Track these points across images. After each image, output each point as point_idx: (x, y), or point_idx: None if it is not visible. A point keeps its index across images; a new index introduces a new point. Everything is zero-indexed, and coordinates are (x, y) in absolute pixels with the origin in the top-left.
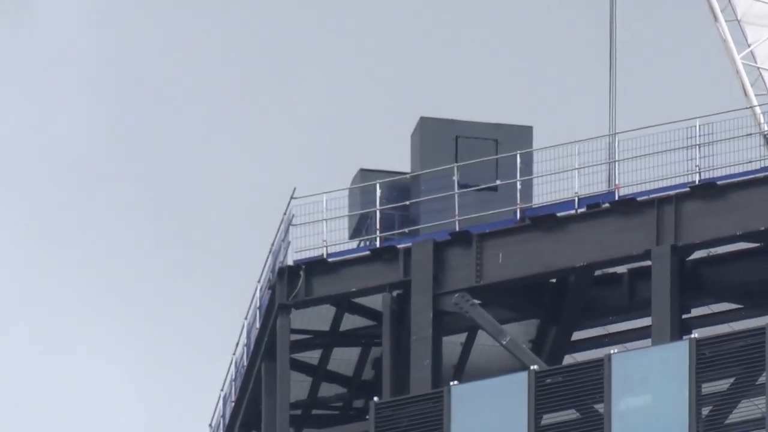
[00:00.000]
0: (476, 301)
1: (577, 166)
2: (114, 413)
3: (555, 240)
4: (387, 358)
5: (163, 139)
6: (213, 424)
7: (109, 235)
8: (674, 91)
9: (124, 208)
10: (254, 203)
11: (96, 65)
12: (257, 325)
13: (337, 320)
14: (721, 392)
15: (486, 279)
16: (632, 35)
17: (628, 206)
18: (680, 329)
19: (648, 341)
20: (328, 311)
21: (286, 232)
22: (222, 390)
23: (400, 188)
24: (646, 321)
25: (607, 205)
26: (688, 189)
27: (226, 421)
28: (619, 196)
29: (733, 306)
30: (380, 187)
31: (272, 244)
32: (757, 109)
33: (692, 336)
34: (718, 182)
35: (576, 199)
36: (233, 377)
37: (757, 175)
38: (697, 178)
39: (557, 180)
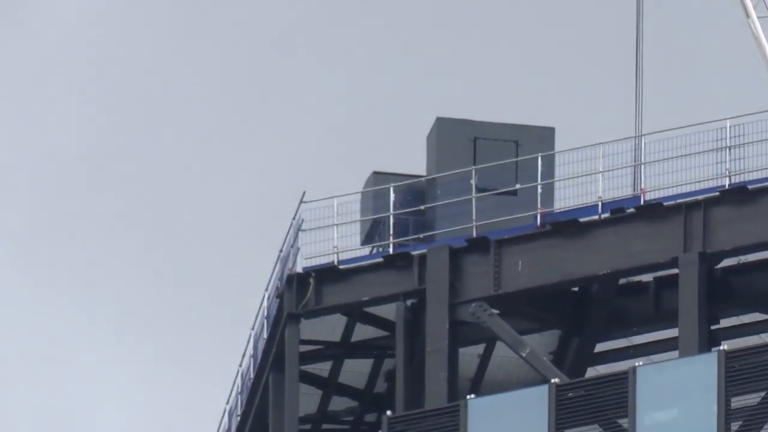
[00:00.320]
0: (494, 311)
1: (600, 169)
2: (114, 428)
3: (577, 247)
4: (401, 370)
5: (167, 141)
6: None
7: (109, 241)
8: (703, 91)
9: (125, 213)
10: (261, 207)
11: (95, 67)
12: (264, 335)
13: (348, 330)
14: (751, 407)
15: (505, 288)
16: (659, 33)
17: (655, 211)
18: (709, 341)
19: (675, 353)
20: (338, 321)
21: (295, 237)
22: (227, 403)
23: (415, 192)
24: (672, 332)
25: (632, 210)
26: (717, 193)
27: None
28: (644, 201)
29: (765, 316)
30: (394, 191)
31: (280, 251)
32: None
33: (721, 348)
34: (749, 186)
35: (599, 203)
36: (239, 390)
37: None
38: (726, 182)
39: (580, 184)
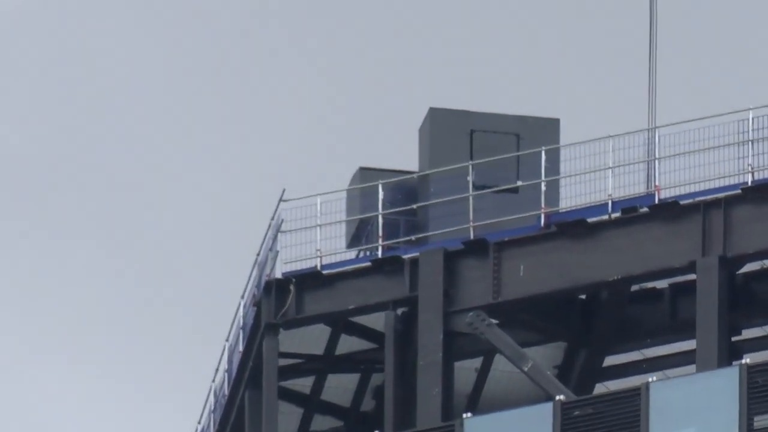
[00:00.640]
0: (493, 321)
1: (610, 165)
2: None
3: (585, 250)
4: (390, 386)
5: (135, 137)
6: None
7: (72, 245)
8: (723, 80)
9: (88, 214)
10: (237, 207)
11: (54, 61)
12: (240, 348)
13: (332, 342)
14: None
15: (505, 295)
16: (674, 16)
17: (670, 211)
18: (729, 353)
19: (692, 367)
20: (322, 332)
21: (274, 239)
22: (200, 423)
23: (405, 190)
24: (689, 344)
25: (645, 209)
26: (739, 191)
27: None
28: (659, 200)
29: None
30: (383, 189)
31: (258, 254)
32: None
33: (743, 361)
34: None
35: (609, 202)
36: (212, 408)
37: None
38: (749, 179)
39: (588, 180)
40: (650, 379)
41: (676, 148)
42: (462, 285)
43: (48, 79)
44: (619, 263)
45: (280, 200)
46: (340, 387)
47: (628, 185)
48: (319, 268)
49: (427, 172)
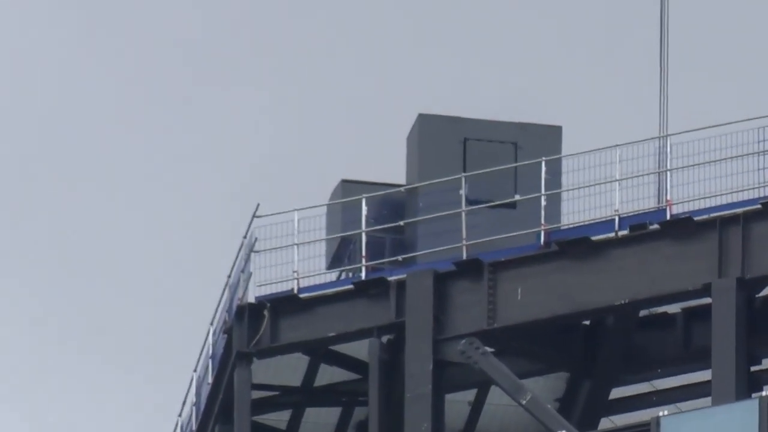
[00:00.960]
0: (488, 349)
1: (617, 177)
2: None
3: (589, 271)
4: (375, 421)
5: (95, 148)
6: None
7: (23, 269)
8: (740, 85)
9: (39, 234)
10: (206, 223)
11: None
12: (209, 379)
13: (311, 373)
14: None
15: (501, 321)
16: (687, 16)
17: (683, 228)
18: (748, 385)
19: (707, 400)
20: (299, 361)
21: (247, 260)
22: None
23: (392, 204)
24: (704, 374)
25: (655, 226)
26: (758, 206)
27: None
28: (671, 215)
29: None
30: (367, 203)
31: (228, 276)
32: None
33: (763, 394)
34: None
35: (616, 218)
36: None
37: None
38: None
39: (592, 194)
40: (661, 413)
41: (689, 158)
42: (454, 310)
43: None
44: (627, 286)
45: (254, 216)
46: (319, 422)
47: (637, 199)
48: (296, 291)
49: (416, 185)
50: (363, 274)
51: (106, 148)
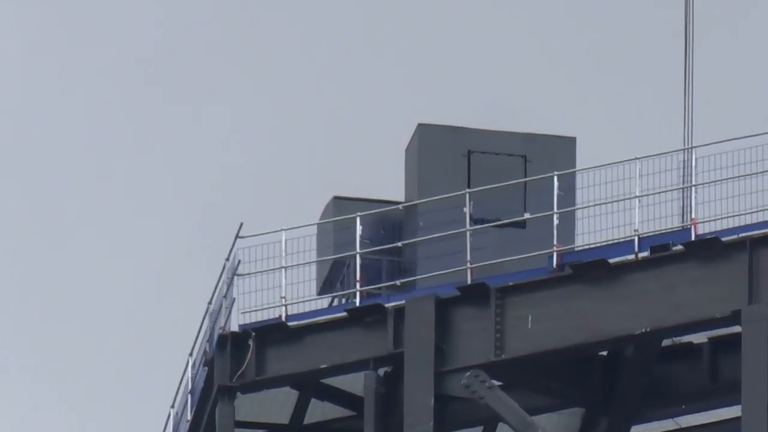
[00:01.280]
0: (496, 383)
1: (637, 193)
2: None
3: (606, 297)
4: None
5: (66, 155)
6: None
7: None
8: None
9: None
10: (182, 245)
11: None
12: (189, 415)
13: (300, 409)
14: None
15: (510, 351)
16: (713, 19)
17: (710, 249)
18: None
19: None
20: (287, 396)
21: (230, 285)
22: None
23: (389, 223)
24: (733, 410)
25: (679, 247)
26: None
27: None
28: (696, 235)
29: None
30: (362, 222)
31: (209, 303)
32: None
33: None
34: None
35: (636, 239)
36: None
37: None
38: None
39: (610, 212)
40: None
41: (716, 173)
42: (457, 339)
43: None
44: (648, 313)
45: (237, 237)
46: None
47: (659, 218)
48: (283, 319)
49: (415, 202)
50: (357, 300)
51: (84, 158)
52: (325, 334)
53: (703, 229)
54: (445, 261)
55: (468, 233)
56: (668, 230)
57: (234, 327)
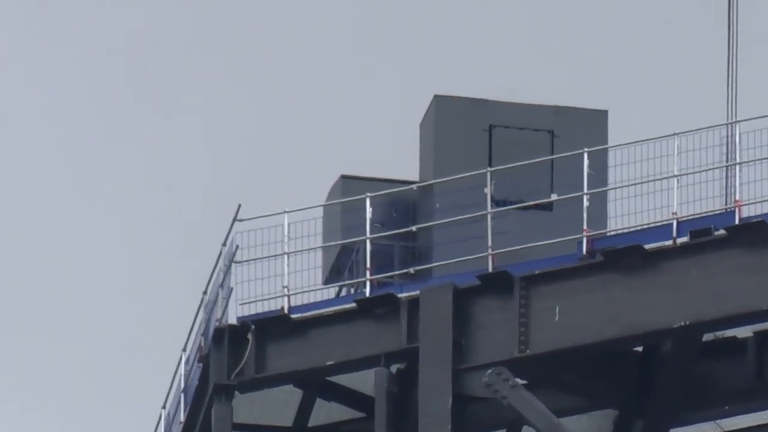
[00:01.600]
0: (520, 381)
1: (676, 172)
2: None
3: (642, 286)
4: None
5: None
6: None
7: None
8: None
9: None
10: (175, 229)
11: None
12: (182, 416)
13: (304, 410)
14: None
15: (535, 347)
16: None
17: (755, 234)
18: None
19: None
20: (290, 396)
21: (227, 273)
22: None
23: (402, 205)
24: None
25: (722, 232)
26: None
27: None
28: (740, 219)
29: None
30: (372, 204)
31: (204, 293)
32: None
33: None
34: None
35: (674, 222)
36: None
37: None
38: None
39: (645, 193)
40: None
41: (763, 150)
42: (477, 333)
43: None
44: (688, 304)
45: (234, 220)
46: None
47: (700, 200)
48: (286, 310)
49: (431, 182)
50: (367, 290)
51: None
52: (332, 327)
53: (748, 211)
54: (463, 247)
55: (489, 216)
56: (710, 213)
57: (231, 319)
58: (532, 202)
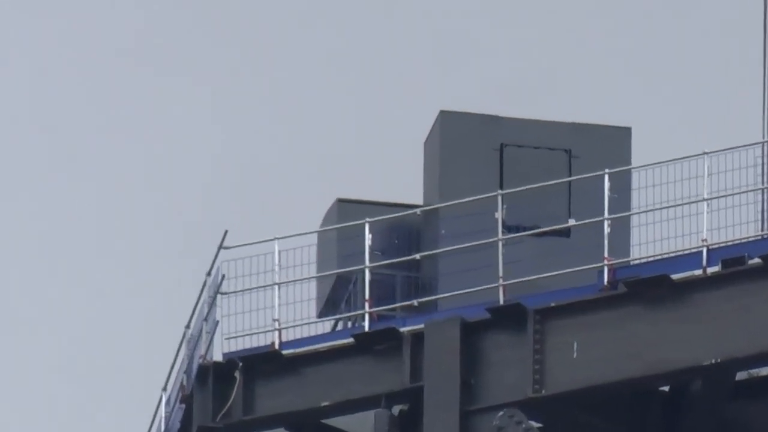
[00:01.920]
0: (534, 424)
1: (706, 196)
2: None
3: (668, 320)
4: None
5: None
6: None
7: None
8: None
9: None
10: (156, 257)
11: None
12: None
13: None
14: None
15: (551, 386)
16: None
17: None
18: None
19: None
20: None
21: (211, 305)
22: None
23: (404, 231)
24: None
25: (756, 260)
26: None
27: None
28: None
29: None
30: (371, 230)
31: (187, 326)
32: None
33: None
34: None
35: (704, 250)
36: None
37: None
38: None
39: (672, 218)
40: None
41: None
42: (488, 372)
43: None
44: (719, 340)
45: (220, 247)
46: None
47: (731, 225)
48: (277, 346)
49: (436, 206)
50: (366, 324)
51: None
52: (327, 364)
53: None
54: (472, 277)
55: (500, 243)
56: (743, 240)
57: (217, 356)
58: (547, 228)
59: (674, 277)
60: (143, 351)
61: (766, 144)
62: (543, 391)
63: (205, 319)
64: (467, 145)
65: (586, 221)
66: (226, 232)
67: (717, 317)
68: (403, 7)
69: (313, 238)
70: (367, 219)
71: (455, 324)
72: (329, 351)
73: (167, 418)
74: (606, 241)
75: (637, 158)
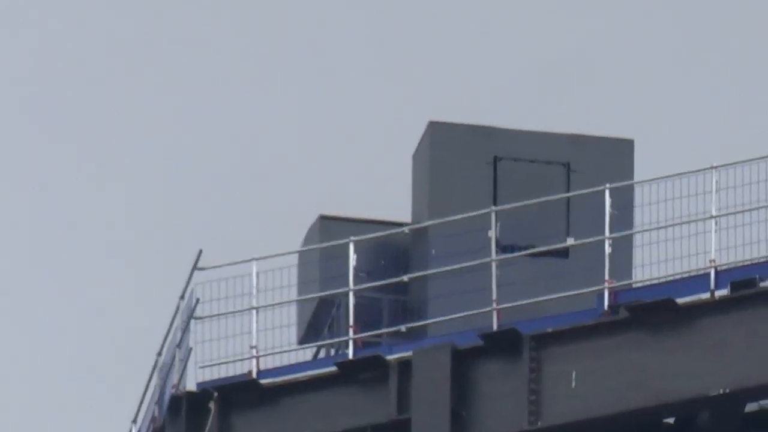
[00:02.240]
0: None
1: (714, 213)
2: None
3: (674, 347)
4: None
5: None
6: None
7: None
8: None
9: None
10: (124, 280)
11: None
12: None
13: None
14: None
15: (548, 418)
16: None
17: None
18: None
19: None
20: None
21: (185, 330)
22: None
23: (392, 251)
24: None
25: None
26: None
27: None
28: None
29: None
30: (356, 249)
31: (159, 354)
32: None
33: None
34: None
35: (712, 271)
36: None
37: None
38: None
39: (678, 237)
40: None
41: None
42: (480, 402)
43: None
44: (728, 369)
45: (194, 268)
46: None
47: (742, 245)
48: (255, 375)
49: (426, 224)
50: (350, 351)
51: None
52: (309, 394)
53: None
54: (463, 300)
55: (494, 264)
56: (754, 261)
57: (190, 385)
58: (544, 248)
59: (680, 301)
60: (112, 380)
61: None
62: (539, 423)
63: (178, 346)
64: (458, 158)
65: (586, 240)
66: (200, 251)
67: (726, 344)
68: (389, 12)
69: (294, 259)
70: (352, 238)
71: (445, 351)
72: (311, 380)
73: None
74: (607, 262)
75: (640, 172)
